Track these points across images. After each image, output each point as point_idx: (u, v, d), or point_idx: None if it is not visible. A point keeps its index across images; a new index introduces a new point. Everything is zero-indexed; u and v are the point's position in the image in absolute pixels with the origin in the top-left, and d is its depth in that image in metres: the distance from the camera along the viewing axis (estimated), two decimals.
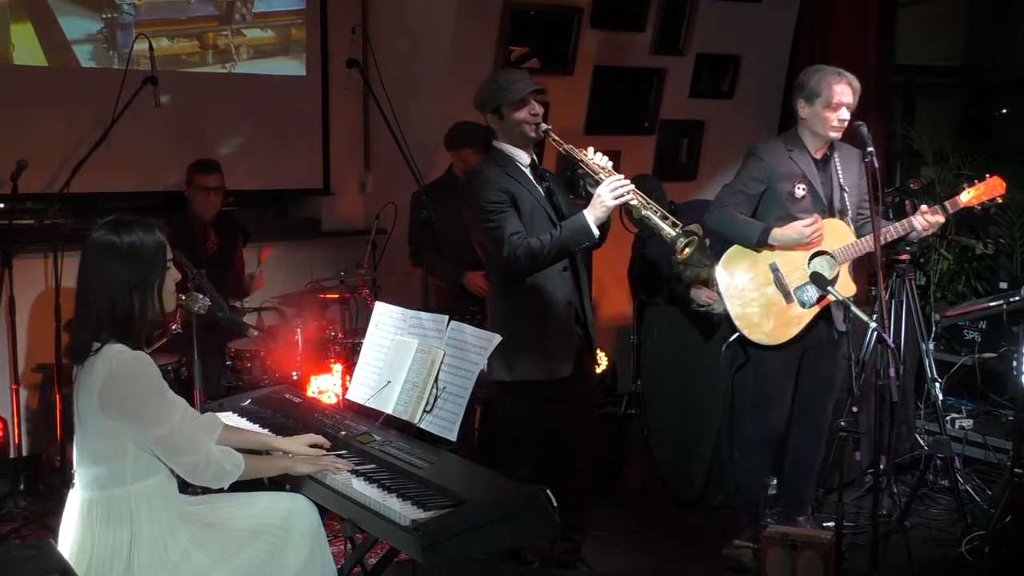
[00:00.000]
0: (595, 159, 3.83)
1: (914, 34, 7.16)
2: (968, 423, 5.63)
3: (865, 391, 4.60)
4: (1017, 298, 4.51)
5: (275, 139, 6.33)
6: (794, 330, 4.27)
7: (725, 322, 4.50)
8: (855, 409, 3.99)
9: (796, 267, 4.28)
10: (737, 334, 4.39)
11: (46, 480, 5.21)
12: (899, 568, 4.20)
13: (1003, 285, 5.93)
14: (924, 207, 4.26)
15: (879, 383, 3.93)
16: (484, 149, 5.35)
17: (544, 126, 3.93)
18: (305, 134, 6.46)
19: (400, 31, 6.32)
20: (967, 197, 4.31)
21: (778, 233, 4.24)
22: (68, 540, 2.94)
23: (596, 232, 3.78)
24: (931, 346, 5.23)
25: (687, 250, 3.73)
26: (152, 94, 5.20)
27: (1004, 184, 4.33)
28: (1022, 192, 6.35)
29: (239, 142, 6.20)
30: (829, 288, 4.01)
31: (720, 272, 4.40)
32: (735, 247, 4.37)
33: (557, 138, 3.89)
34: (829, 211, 4.31)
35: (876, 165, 4.07)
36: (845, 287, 4.23)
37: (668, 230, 3.72)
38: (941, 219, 4.26)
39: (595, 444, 4.33)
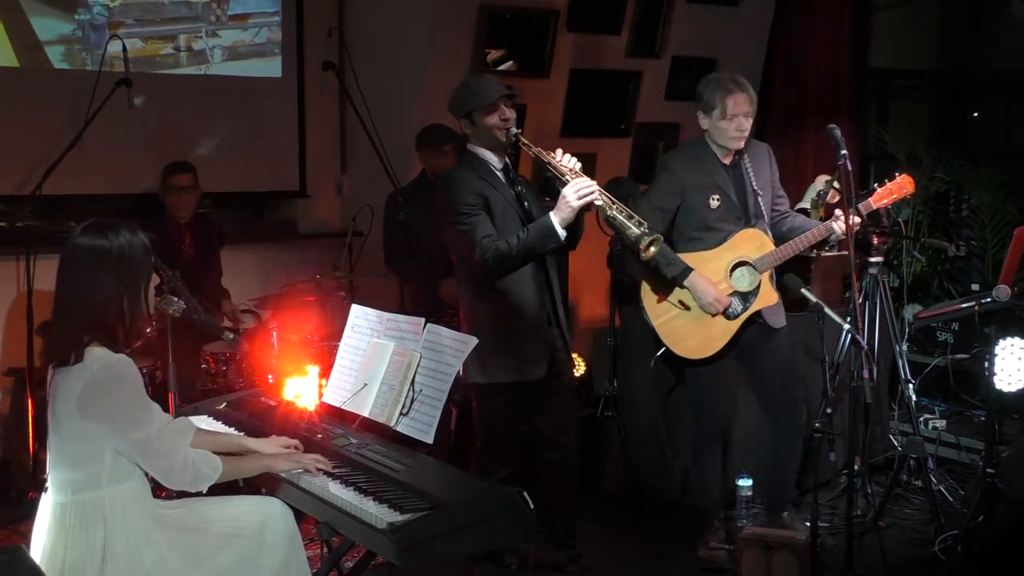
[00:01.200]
0: (563, 161, 3.84)
1: (888, 38, 7.22)
2: (941, 424, 5.67)
3: (839, 392, 4.63)
4: (989, 300, 4.55)
5: (251, 141, 6.31)
6: (720, 343, 4.28)
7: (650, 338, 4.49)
8: (829, 410, 4.01)
9: (718, 280, 4.28)
10: (663, 349, 4.38)
11: (18, 485, 5.17)
12: (874, 568, 4.22)
13: (975, 287, 5.97)
14: (838, 211, 4.20)
15: (853, 384, 3.96)
16: (452, 151, 5.39)
17: (514, 130, 3.95)
18: (281, 136, 6.44)
19: (376, 33, 6.31)
20: (876, 197, 4.37)
21: (695, 282, 4.20)
22: (40, 545, 2.92)
23: (562, 233, 3.80)
24: (904, 347, 5.27)
25: (652, 249, 3.76)
26: (126, 96, 5.18)
27: (913, 183, 4.41)
28: (993, 194, 6.41)
29: (214, 144, 6.17)
30: (803, 290, 4.02)
31: (642, 284, 4.39)
32: None
33: (527, 142, 3.92)
34: (744, 218, 4.30)
35: (850, 168, 4.09)
36: (767, 296, 4.26)
37: (634, 230, 3.75)
38: (857, 220, 4.20)
39: (576, 444, 4.33)
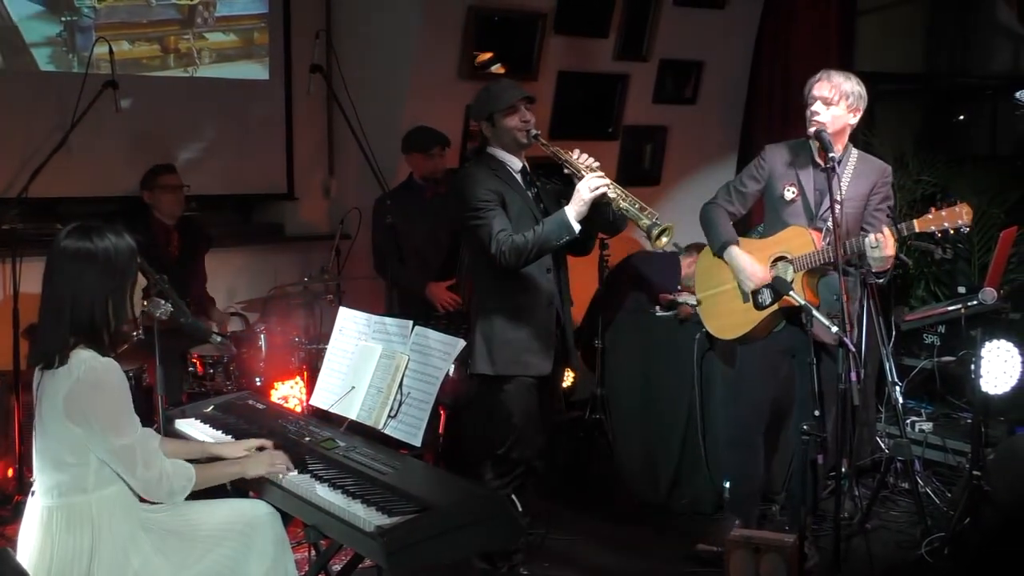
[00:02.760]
0: (581, 159, 3.91)
1: (874, 41, 7.25)
2: (928, 426, 5.68)
3: (828, 396, 4.63)
4: (975, 302, 4.57)
5: (238, 144, 6.30)
6: (741, 329, 4.31)
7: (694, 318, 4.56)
8: (817, 413, 4.01)
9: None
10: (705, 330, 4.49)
11: (4, 488, 5.15)
12: (861, 570, 4.24)
13: (961, 290, 5.99)
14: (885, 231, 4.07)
15: (841, 387, 3.96)
16: (440, 153, 5.38)
17: (534, 131, 4.02)
18: (268, 139, 6.43)
19: (364, 36, 6.31)
20: (922, 222, 4.05)
21: (734, 256, 4.29)
22: (27, 548, 2.91)
23: (576, 226, 3.84)
24: (891, 350, 5.29)
25: (663, 239, 3.80)
26: (112, 98, 5.17)
27: (971, 214, 4.04)
28: (979, 197, 6.43)
29: (201, 146, 6.16)
30: (791, 292, 4.03)
31: (701, 258, 4.53)
32: None
33: (545, 142, 3.99)
34: (811, 219, 4.29)
35: (837, 170, 4.10)
36: (799, 293, 4.25)
37: (645, 220, 3.81)
38: (889, 243, 4.05)
39: (546, 444, 4.38)
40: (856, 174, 4.30)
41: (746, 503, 4.55)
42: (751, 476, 4.52)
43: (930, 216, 4.04)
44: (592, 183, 3.80)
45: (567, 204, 3.86)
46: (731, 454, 4.56)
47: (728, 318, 4.38)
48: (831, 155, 4.05)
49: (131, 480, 2.91)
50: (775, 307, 4.25)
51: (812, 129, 4.23)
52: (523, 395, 4.05)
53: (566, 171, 3.95)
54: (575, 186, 3.90)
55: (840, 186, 4.22)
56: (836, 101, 4.20)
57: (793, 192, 4.30)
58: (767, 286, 4.24)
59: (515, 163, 4.11)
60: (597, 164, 3.91)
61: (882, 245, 4.01)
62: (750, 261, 4.27)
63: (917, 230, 4.06)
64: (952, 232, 4.06)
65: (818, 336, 4.11)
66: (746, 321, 4.31)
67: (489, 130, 4.11)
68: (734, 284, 4.34)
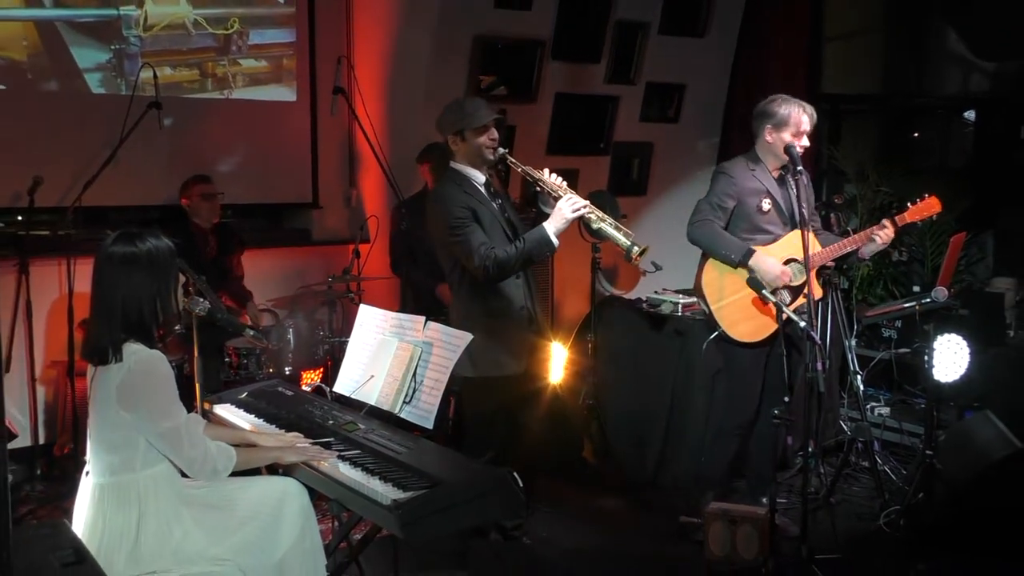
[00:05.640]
0: (551, 179, 3.83)
1: (838, 66, 7.23)
2: (886, 411, 5.68)
3: (796, 383, 4.63)
4: (928, 300, 4.56)
5: (269, 158, 6.31)
6: (771, 328, 4.24)
7: (702, 322, 4.46)
8: (786, 399, 4.01)
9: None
10: (716, 332, 4.34)
11: (60, 466, 5.16)
12: (826, 539, 4.23)
13: (916, 288, 5.99)
14: (885, 221, 4.22)
15: (808, 376, 3.96)
16: (438, 166, 5.37)
17: (501, 150, 3.92)
18: (296, 154, 6.44)
19: (382, 61, 6.31)
20: (910, 213, 4.27)
21: (758, 262, 4.19)
22: (81, 521, 2.91)
23: (556, 242, 3.77)
24: (853, 342, 5.28)
25: (641, 257, 3.74)
26: (156, 117, 5.17)
27: (940, 204, 4.30)
28: None
29: (236, 160, 6.17)
30: (763, 291, 4.02)
31: (703, 277, 4.36)
32: None
33: (514, 161, 3.89)
34: (791, 223, 4.31)
35: (806, 181, 4.10)
36: (814, 291, 4.21)
37: (623, 240, 3.72)
38: (892, 231, 4.23)
39: (547, 431, 4.34)
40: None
41: (721, 479, 4.55)
42: (728, 458, 4.53)
43: (910, 208, 4.27)
44: (574, 204, 3.72)
45: (545, 221, 3.78)
46: (718, 440, 4.52)
47: (753, 322, 4.27)
48: (799, 168, 4.06)
49: (177, 460, 2.92)
50: (793, 307, 4.21)
51: (801, 162, 4.23)
52: (503, 391, 3.99)
53: (537, 189, 3.88)
54: (539, 202, 3.85)
55: (794, 190, 4.26)
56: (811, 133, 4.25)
57: (769, 203, 4.29)
58: (784, 287, 4.22)
59: (479, 177, 3.98)
60: (565, 183, 3.83)
61: (890, 237, 4.21)
62: (775, 262, 4.23)
63: (907, 221, 4.28)
64: (930, 219, 4.35)
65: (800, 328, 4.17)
66: (770, 322, 4.23)
67: (458, 144, 3.95)
68: (748, 291, 4.21)
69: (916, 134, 7.39)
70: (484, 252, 3.77)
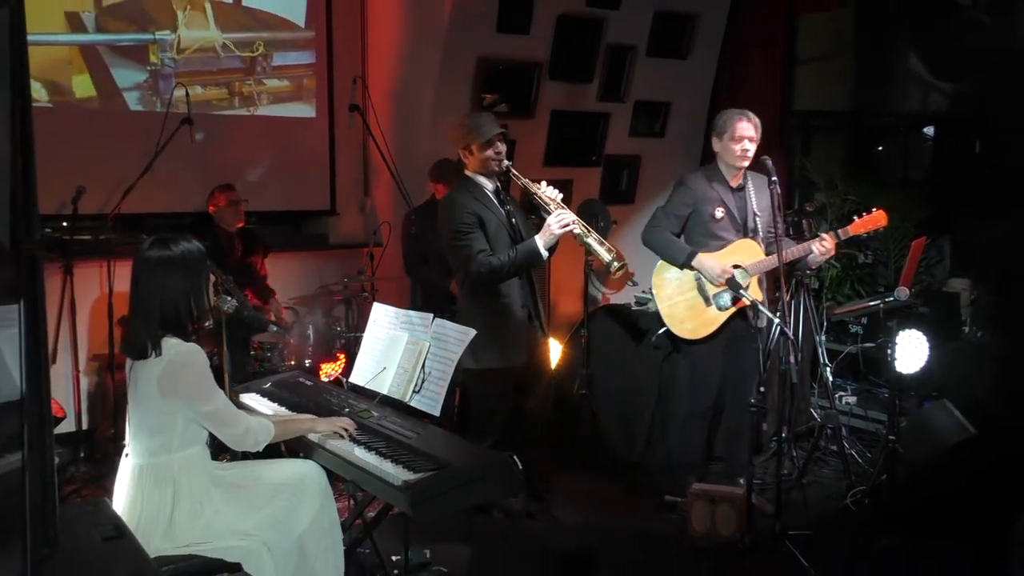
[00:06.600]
0: (547, 192, 3.84)
1: (810, 85, 7.23)
2: (852, 400, 5.70)
3: (771, 375, 4.65)
4: (891, 299, 4.57)
5: (290, 169, 6.31)
6: (711, 328, 4.30)
7: (655, 319, 4.53)
8: (762, 389, 4.02)
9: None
10: (664, 329, 4.41)
11: (101, 449, 5.17)
12: (798, 517, 4.24)
13: (880, 288, 6.00)
14: (823, 234, 4.23)
15: (782, 368, 3.97)
16: (450, 185, 5.35)
17: (506, 162, 3.94)
18: (315, 165, 6.44)
19: (393, 81, 6.32)
20: (854, 227, 4.27)
21: (703, 260, 4.25)
22: (121, 499, 2.92)
23: (545, 254, 3.81)
24: (823, 338, 5.29)
25: (620, 272, 3.77)
26: (188, 132, 5.18)
27: (887, 218, 4.31)
28: (893, 212, 6.41)
29: (260, 171, 6.17)
30: (741, 292, 4.05)
31: (654, 277, 4.42)
32: None
33: (517, 173, 3.91)
34: (743, 231, 4.33)
35: (779, 191, 4.11)
36: (754, 293, 4.26)
37: (605, 255, 3.75)
38: (832, 245, 4.22)
39: (551, 420, 4.34)
40: (758, 189, 4.34)
41: (697, 462, 4.57)
42: (701, 442, 4.54)
43: (856, 221, 4.27)
44: (562, 219, 3.74)
45: (537, 233, 3.80)
46: (689, 427, 4.54)
47: (694, 321, 4.33)
48: (774, 179, 4.08)
49: (221, 436, 2.93)
50: (734, 308, 4.25)
51: (745, 163, 4.25)
52: (503, 383, 4.00)
53: (534, 201, 3.90)
54: (540, 211, 3.86)
55: (752, 201, 4.28)
56: (758, 138, 4.22)
57: (722, 212, 4.30)
58: (724, 291, 4.24)
59: (489, 185, 4.02)
60: (561, 196, 3.85)
61: (827, 249, 4.17)
62: (716, 261, 4.26)
63: (851, 234, 4.26)
64: (876, 231, 4.32)
65: (754, 322, 4.21)
66: (712, 320, 4.30)
67: (468, 156, 4.00)
68: (694, 293, 4.31)
69: (880, 148, 7.39)
70: (481, 259, 3.81)
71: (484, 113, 4.16)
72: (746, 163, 4.27)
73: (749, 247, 4.29)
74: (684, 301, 4.34)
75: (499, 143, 3.95)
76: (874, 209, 4.30)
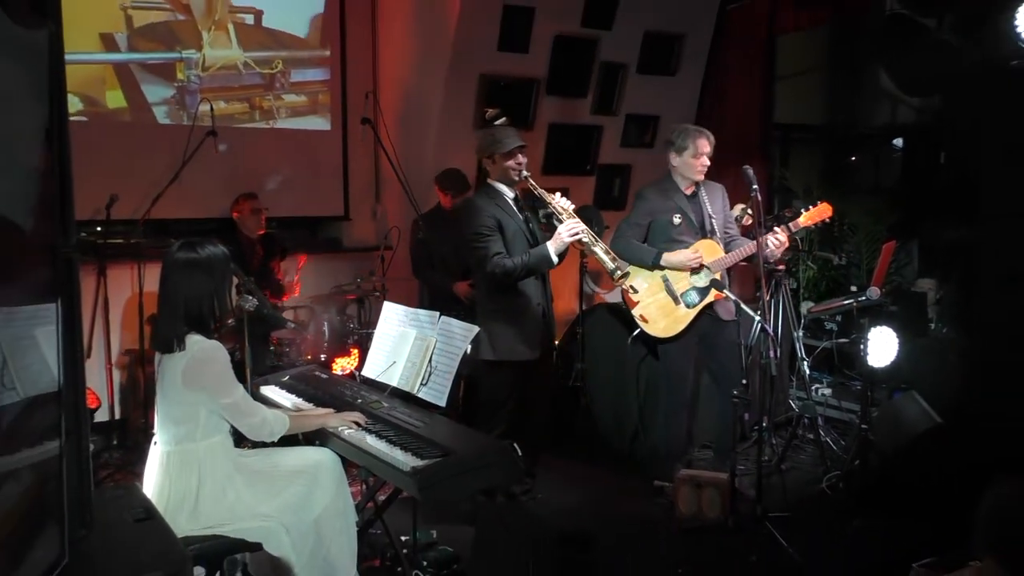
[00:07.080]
0: (560, 202, 3.87)
1: (789, 100, 7.24)
2: (828, 391, 5.70)
3: (752, 368, 4.65)
4: (864, 298, 4.58)
5: (307, 177, 6.32)
6: (682, 325, 4.32)
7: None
8: (744, 381, 4.03)
9: (682, 277, 4.32)
10: (638, 330, 4.42)
11: (132, 437, 5.18)
12: (777, 500, 4.25)
13: (853, 288, 5.99)
14: (776, 228, 4.28)
15: (762, 362, 3.98)
16: (455, 193, 5.35)
17: (525, 173, 3.98)
18: (330, 174, 6.44)
19: (402, 96, 6.32)
20: (804, 219, 4.36)
21: (668, 257, 4.28)
22: (150, 484, 2.94)
23: (556, 260, 3.85)
24: (801, 334, 5.30)
25: (623, 280, 3.81)
26: (213, 144, 5.19)
27: (832, 209, 4.39)
28: (866, 218, 6.44)
29: (279, 180, 6.18)
30: (725, 291, 4.04)
31: (629, 279, 4.41)
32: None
33: (533, 183, 3.94)
34: (701, 233, 4.35)
35: (760, 199, 4.11)
36: (718, 291, 4.27)
37: (609, 264, 3.80)
38: (785, 237, 4.27)
39: (550, 412, 4.35)
40: (710, 194, 4.40)
41: (682, 450, 4.57)
42: (683, 431, 4.55)
43: (804, 214, 4.36)
44: (572, 229, 3.77)
45: (549, 239, 3.83)
46: (671, 420, 4.54)
47: (666, 320, 4.34)
48: (755, 187, 4.08)
49: (240, 426, 2.94)
50: (702, 304, 4.26)
51: (703, 176, 4.32)
52: (516, 374, 4.03)
53: (548, 209, 3.93)
54: (554, 219, 3.88)
55: (707, 205, 4.31)
56: (711, 153, 4.28)
57: (679, 218, 4.32)
58: (693, 288, 4.26)
59: (509, 193, 4.06)
60: (572, 207, 3.88)
61: (781, 242, 4.23)
62: (684, 253, 4.27)
63: (801, 226, 4.33)
64: (826, 222, 4.41)
65: (720, 315, 4.20)
66: (683, 318, 4.31)
67: (490, 165, 4.05)
68: (663, 294, 4.31)
69: (853, 158, 7.40)
70: (497, 260, 3.86)
71: (508, 128, 4.23)
72: (702, 176, 4.32)
73: (709, 246, 4.32)
74: (655, 302, 4.35)
75: (520, 155, 3.99)
76: (819, 201, 4.40)
